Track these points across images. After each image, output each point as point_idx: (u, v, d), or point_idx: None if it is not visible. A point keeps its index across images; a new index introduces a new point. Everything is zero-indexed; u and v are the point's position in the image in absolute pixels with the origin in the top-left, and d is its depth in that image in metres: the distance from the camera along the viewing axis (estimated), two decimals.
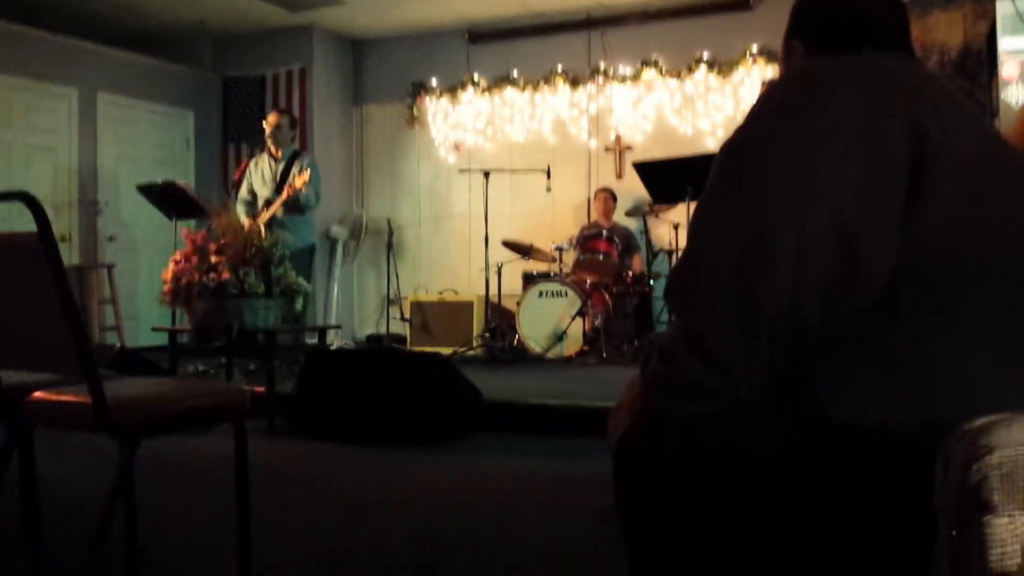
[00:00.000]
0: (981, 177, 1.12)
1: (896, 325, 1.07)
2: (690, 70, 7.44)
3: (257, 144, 8.39)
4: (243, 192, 6.52)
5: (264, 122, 6.57)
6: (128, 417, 1.98)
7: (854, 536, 1.09)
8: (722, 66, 7.33)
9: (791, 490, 1.13)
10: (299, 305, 4.90)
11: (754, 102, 1.22)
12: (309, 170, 6.07)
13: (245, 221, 6.04)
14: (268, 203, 6.23)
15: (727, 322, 1.09)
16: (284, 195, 6.07)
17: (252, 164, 6.54)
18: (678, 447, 1.20)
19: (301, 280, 4.87)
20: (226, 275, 4.59)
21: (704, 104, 7.43)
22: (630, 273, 6.96)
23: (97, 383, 1.93)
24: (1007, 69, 3.74)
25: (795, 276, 1.06)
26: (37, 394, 2.17)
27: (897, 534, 1.05)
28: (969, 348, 1.06)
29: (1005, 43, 3.80)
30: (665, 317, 7.07)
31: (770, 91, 1.21)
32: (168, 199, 6.12)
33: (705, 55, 7.37)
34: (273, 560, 2.38)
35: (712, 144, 7.17)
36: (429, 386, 4.27)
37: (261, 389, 4.53)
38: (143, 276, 7.96)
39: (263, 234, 5.02)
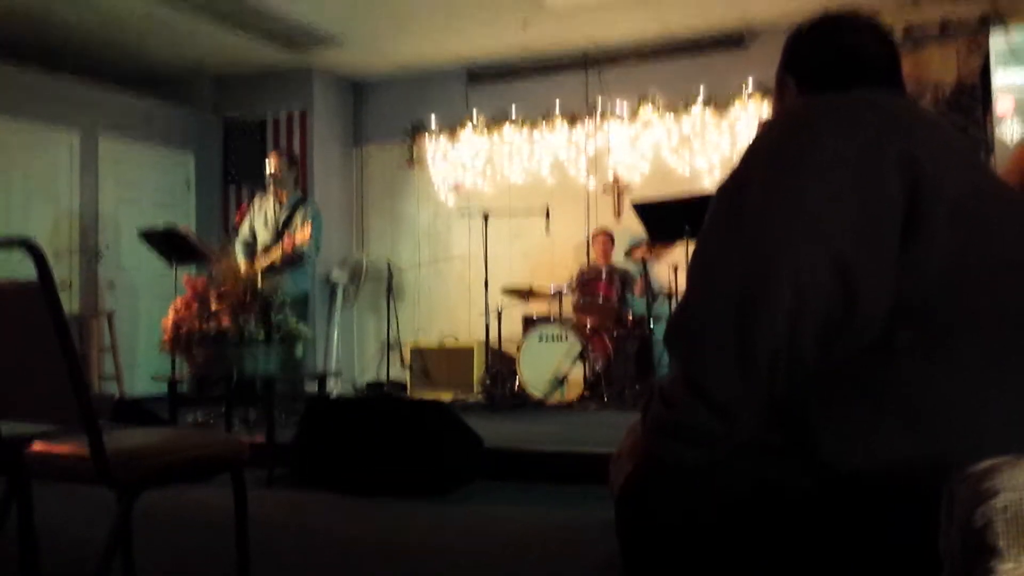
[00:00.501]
0: (975, 214, 1.13)
1: (893, 365, 1.07)
2: (687, 107, 7.50)
3: (258, 186, 8.42)
4: (244, 231, 6.47)
5: (267, 163, 6.54)
6: (127, 469, 1.97)
7: None
8: (718, 103, 7.40)
9: (793, 532, 1.12)
10: (299, 352, 4.88)
11: (749, 143, 1.23)
12: (310, 223, 6.04)
13: (242, 263, 6.05)
14: (267, 248, 6.21)
15: (726, 365, 1.09)
16: (281, 248, 6.03)
17: (256, 204, 6.50)
18: (680, 491, 1.19)
19: (301, 326, 4.86)
20: (226, 322, 4.58)
21: (701, 142, 7.48)
22: (631, 317, 6.95)
23: (97, 435, 1.92)
24: (1001, 105, 3.78)
25: (792, 317, 1.06)
26: (36, 445, 2.16)
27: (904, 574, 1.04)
28: (968, 388, 1.05)
29: (999, 77, 3.83)
30: (667, 360, 7.05)
31: (764, 132, 1.22)
32: (169, 244, 6.13)
33: (702, 92, 7.44)
34: None
35: (709, 183, 7.21)
36: (430, 434, 4.24)
37: (261, 439, 4.50)
38: (143, 323, 7.93)
39: (259, 279, 5.02)
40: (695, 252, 1.19)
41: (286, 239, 6.04)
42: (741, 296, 1.08)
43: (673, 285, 6.76)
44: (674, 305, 6.55)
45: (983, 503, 0.71)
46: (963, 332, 1.06)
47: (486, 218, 6.90)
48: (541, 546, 3.15)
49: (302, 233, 5.94)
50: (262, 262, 6.08)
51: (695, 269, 1.17)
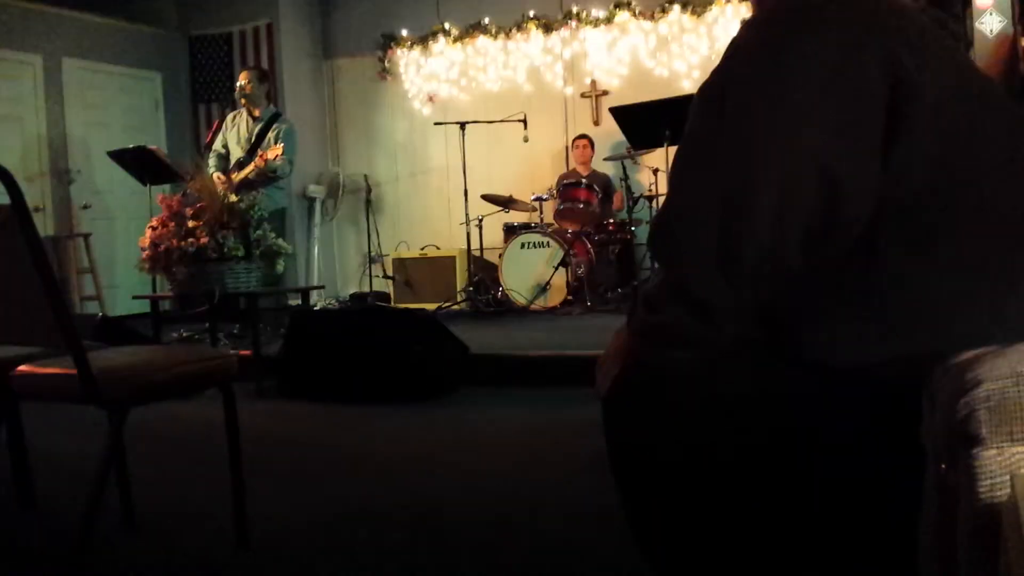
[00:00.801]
0: (958, 113, 1.12)
1: (875, 265, 1.08)
2: (664, 11, 7.36)
3: (228, 104, 8.27)
4: (216, 145, 6.41)
5: (235, 83, 6.45)
6: (115, 387, 1.97)
7: (842, 473, 1.10)
8: (696, 6, 7.26)
9: (778, 430, 1.14)
10: (280, 267, 4.87)
11: (729, 44, 1.21)
12: (282, 144, 5.94)
13: (216, 176, 5.95)
14: (241, 164, 6.14)
15: (710, 268, 1.09)
16: (253, 165, 5.96)
17: (229, 119, 6.41)
18: (666, 392, 1.21)
19: (281, 241, 4.84)
20: (204, 239, 4.55)
21: (679, 45, 7.37)
22: (611, 220, 6.95)
23: (81, 354, 1.92)
24: None
25: (777, 218, 1.06)
26: (21, 368, 2.16)
27: (884, 470, 1.07)
28: (950, 285, 1.06)
29: None
30: (648, 264, 7.09)
31: (745, 32, 1.20)
32: (140, 164, 6.03)
33: None
34: (270, 520, 2.40)
35: (689, 86, 7.13)
36: (416, 342, 4.27)
37: (247, 353, 4.52)
38: (120, 244, 7.87)
39: (233, 196, 4.96)
40: (677, 155, 1.18)
41: (259, 157, 5.95)
42: (724, 198, 1.08)
43: (654, 188, 6.74)
44: (655, 209, 6.56)
45: (966, 393, 0.72)
46: (944, 233, 1.06)
47: (463, 127, 6.80)
48: (529, 447, 3.21)
49: (274, 150, 5.86)
50: (235, 179, 6.01)
51: (677, 172, 1.16)
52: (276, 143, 5.96)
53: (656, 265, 1.21)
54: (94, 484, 1.90)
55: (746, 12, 7.05)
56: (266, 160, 5.88)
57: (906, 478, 1.05)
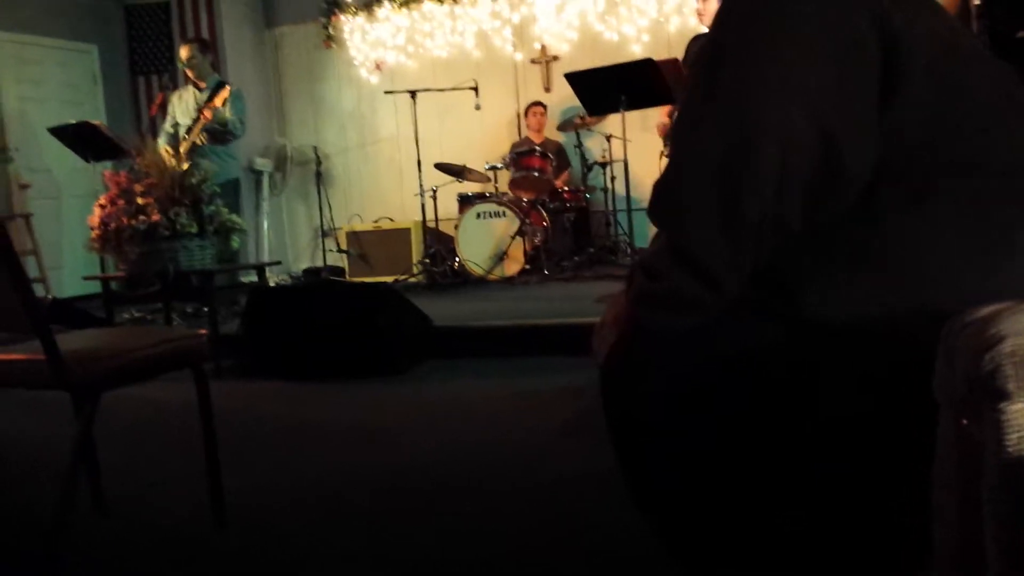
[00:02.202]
0: (948, 70, 1.13)
1: (874, 222, 1.09)
2: None
3: (167, 74, 8.06)
4: (166, 125, 6.39)
5: (177, 58, 6.35)
6: (85, 371, 1.92)
7: (845, 433, 1.12)
8: None
9: (778, 392, 1.15)
10: (235, 243, 4.78)
11: (720, 7, 1.20)
12: (227, 88, 5.86)
13: (169, 155, 5.83)
14: (189, 131, 6.04)
15: (712, 232, 1.09)
16: (203, 118, 5.87)
17: (175, 96, 6.38)
18: (665, 359, 1.21)
19: (235, 217, 4.74)
20: (156, 217, 4.44)
21: (628, 8, 7.33)
22: (566, 189, 6.95)
23: (50, 338, 1.86)
24: None
25: (778, 178, 1.06)
26: None
27: (885, 428, 1.08)
28: (946, 241, 1.08)
29: None
30: (604, 231, 7.12)
31: None
32: (83, 140, 5.85)
33: None
34: (244, 498, 2.37)
35: (639, 50, 7.11)
36: (379, 316, 4.24)
37: (204, 332, 4.44)
38: (65, 223, 7.65)
39: (184, 164, 4.85)
40: (675, 121, 1.17)
41: (204, 110, 5.85)
42: (725, 162, 1.08)
43: (607, 155, 6.75)
44: (608, 176, 6.58)
45: (991, 348, 0.73)
46: (942, 188, 1.08)
47: (414, 96, 6.71)
48: (500, 416, 3.21)
49: (220, 96, 5.76)
50: (185, 144, 5.89)
51: (677, 138, 1.16)
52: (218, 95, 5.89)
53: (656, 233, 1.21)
54: (68, 470, 1.85)
55: None
56: (213, 110, 5.78)
57: (908, 434, 1.07)
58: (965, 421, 0.78)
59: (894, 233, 1.08)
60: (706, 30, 5.41)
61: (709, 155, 1.10)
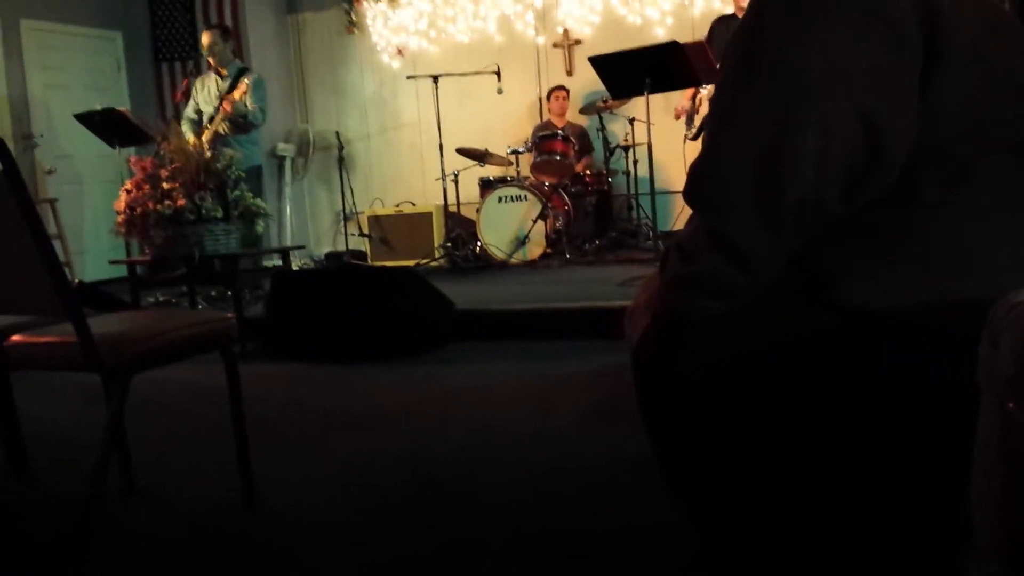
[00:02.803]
0: (992, 52, 1.11)
1: (913, 208, 1.07)
2: None
3: (191, 61, 8.09)
4: (188, 111, 6.42)
5: (199, 43, 6.37)
6: (117, 354, 1.94)
7: (880, 419, 1.11)
8: None
9: (814, 378, 1.14)
10: (260, 228, 4.80)
11: None
12: (247, 80, 5.88)
13: (191, 140, 5.86)
14: (211, 119, 6.07)
15: (751, 216, 1.08)
16: (223, 111, 5.90)
17: (198, 82, 6.41)
18: (700, 342, 1.20)
19: (260, 202, 4.77)
20: (181, 202, 4.47)
21: None
22: (588, 172, 6.92)
23: (82, 321, 1.88)
24: None
25: (818, 165, 1.05)
26: (16, 337, 2.11)
27: (927, 414, 1.07)
28: (987, 225, 1.06)
29: None
30: (625, 214, 7.09)
31: None
32: (109, 126, 5.89)
33: None
34: (273, 481, 2.39)
35: (662, 33, 7.06)
36: (401, 299, 4.25)
37: (232, 315, 4.47)
38: (88, 208, 7.72)
39: (207, 152, 4.88)
40: (713, 105, 1.16)
41: (224, 103, 5.87)
42: (765, 145, 1.06)
43: (631, 139, 6.71)
44: (631, 160, 6.55)
45: None
46: (982, 173, 1.06)
47: (436, 80, 6.70)
48: (526, 400, 3.22)
49: (238, 90, 5.78)
50: (207, 134, 5.93)
51: (715, 123, 1.14)
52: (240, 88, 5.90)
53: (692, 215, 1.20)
54: (101, 451, 1.87)
55: None
56: (233, 103, 5.80)
57: (945, 421, 1.06)
58: (1012, 404, 0.77)
59: (933, 218, 1.06)
60: (730, 11, 5.36)
61: (749, 140, 1.08)
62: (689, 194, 1.15)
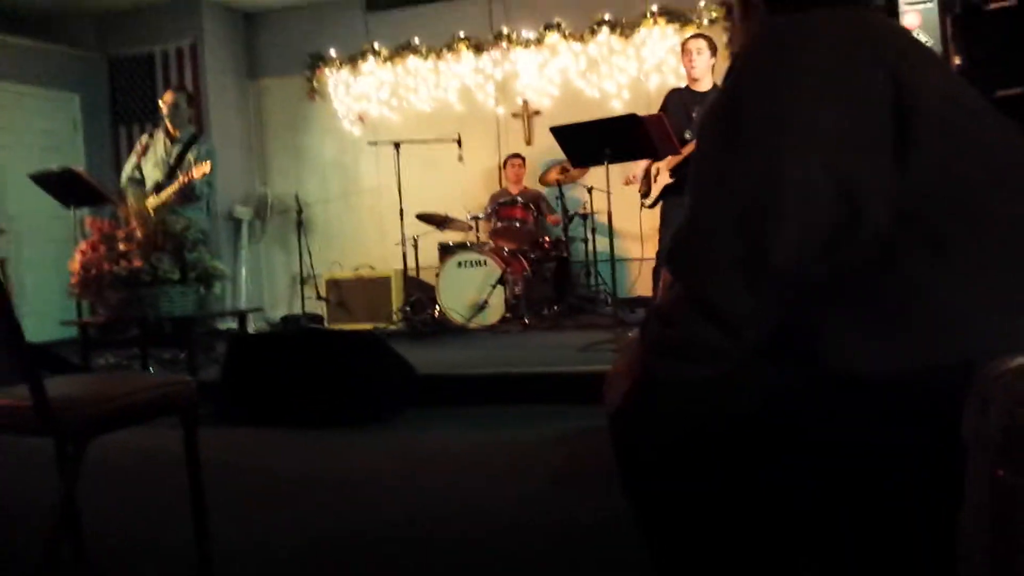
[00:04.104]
0: (959, 125, 1.15)
1: (894, 272, 1.09)
2: (593, 32, 7.46)
3: (149, 123, 8.04)
4: (127, 169, 6.17)
5: (160, 101, 6.29)
6: (74, 417, 1.88)
7: (866, 484, 1.11)
8: (624, 28, 7.37)
9: (798, 441, 1.15)
10: (217, 289, 4.74)
11: (732, 63, 1.22)
12: (209, 162, 5.77)
13: (131, 199, 5.69)
14: (159, 187, 5.92)
15: (733, 280, 1.09)
16: (178, 184, 5.72)
17: (145, 141, 6.21)
18: (680, 409, 1.20)
19: (218, 263, 4.72)
20: (138, 263, 4.41)
21: (608, 66, 7.47)
22: (547, 238, 6.99)
23: (38, 383, 1.83)
24: (909, 19, 3.84)
25: (800, 226, 1.07)
26: None
27: (911, 479, 1.08)
28: (965, 291, 1.08)
29: None
30: (584, 280, 7.14)
31: (753, 50, 1.21)
32: (65, 186, 5.80)
33: (607, 16, 7.40)
34: (229, 550, 2.31)
35: (619, 106, 7.22)
36: (360, 364, 4.20)
37: (191, 379, 4.37)
38: (37, 269, 7.55)
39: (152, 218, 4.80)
40: (694, 173, 1.18)
41: (184, 175, 5.74)
42: (748, 210, 1.08)
43: (589, 206, 6.80)
44: (589, 227, 6.63)
45: None
46: (959, 240, 1.09)
47: (397, 147, 6.75)
48: (487, 466, 3.18)
49: (200, 168, 5.67)
50: (154, 202, 5.77)
51: (697, 190, 1.16)
52: (199, 162, 5.77)
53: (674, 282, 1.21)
54: (55, 520, 1.80)
55: (672, 34, 7.20)
56: (191, 179, 5.68)
57: (930, 486, 1.06)
58: (1001, 472, 0.78)
59: (914, 284, 1.08)
60: (683, 85, 5.50)
61: (730, 204, 1.10)
62: (671, 259, 1.16)
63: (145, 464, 3.42)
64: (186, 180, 5.68)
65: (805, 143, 1.09)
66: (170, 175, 5.91)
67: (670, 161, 5.14)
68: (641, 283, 7.03)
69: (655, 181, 5.37)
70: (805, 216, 1.07)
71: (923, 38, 4.33)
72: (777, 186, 1.07)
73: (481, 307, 6.43)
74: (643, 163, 5.46)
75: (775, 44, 1.20)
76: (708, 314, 1.11)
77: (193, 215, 5.90)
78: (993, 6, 2.98)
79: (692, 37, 5.57)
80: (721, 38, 7.22)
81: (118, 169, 8.14)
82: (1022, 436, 0.73)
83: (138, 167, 6.12)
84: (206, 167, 5.66)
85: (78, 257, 4.41)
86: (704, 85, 5.31)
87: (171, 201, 5.76)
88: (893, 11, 4.63)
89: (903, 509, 1.08)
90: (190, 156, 5.90)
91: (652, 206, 5.49)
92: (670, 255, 1.16)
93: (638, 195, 5.68)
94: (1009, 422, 0.75)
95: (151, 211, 5.44)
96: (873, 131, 1.10)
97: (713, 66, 5.35)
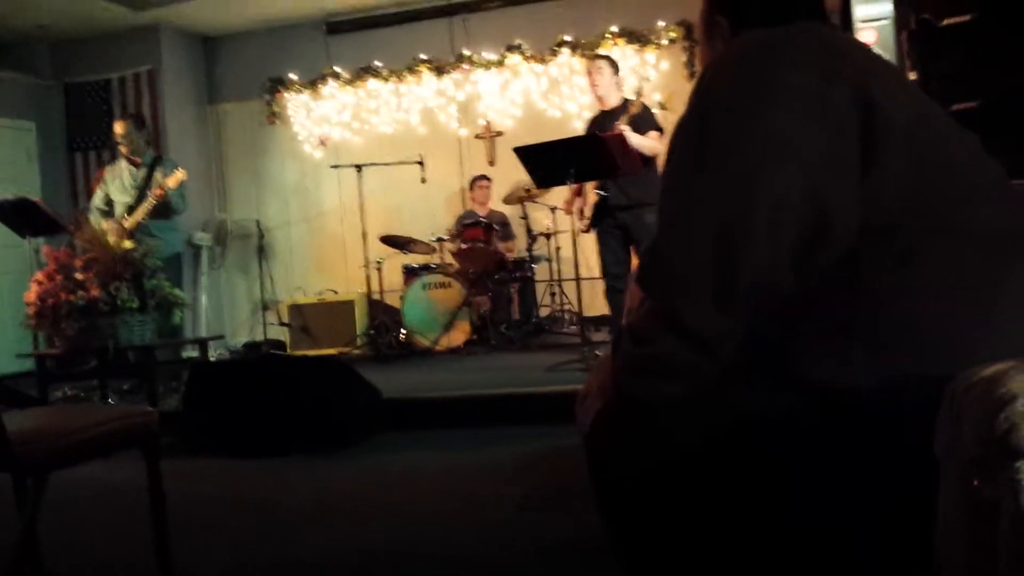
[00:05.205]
0: (924, 139, 1.16)
1: (859, 286, 1.10)
2: (554, 53, 7.52)
3: (106, 151, 7.94)
4: (97, 201, 6.11)
5: (112, 134, 6.21)
6: (33, 452, 1.83)
7: (839, 498, 1.11)
8: (585, 48, 7.43)
9: (773, 457, 1.14)
10: (177, 317, 4.67)
11: (701, 78, 1.23)
12: (183, 170, 5.71)
13: (106, 227, 5.64)
14: (131, 209, 5.86)
15: (705, 296, 1.09)
16: (153, 199, 5.67)
17: (109, 173, 6.16)
18: (654, 427, 1.20)
19: (178, 291, 4.65)
20: (96, 292, 4.33)
21: (570, 87, 7.52)
22: (511, 259, 6.99)
23: None
24: (865, 36, 3.89)
25: (770, 239, 1.07)
26: None
27: (884, 491, 1.08)
28: (931, 304, 1.09)
29: (860, 11, 3.93)
30: (548, 299, 7.13)
31: (718, 68, 1.22)
32: (21, 216, 5.68)
33: (567, 37, 7.46)
34: None
35: (581, 126, 7.25)
36: (326, 389, 4.15)
37: (153, 410, 4.29)
38: None
39: (127, 242, 4.73)
40: (664, 191, 1.18)
41: (157, 189, 5.65)
42: (717, 228, 1.08)
43: (552, 226, 6.81)
44: (553, 247, 6.64)
45: (1004, 408, 0.74)
46: (923, 254, 1.10)
47: (359, 169, 6.72)
48: (458, 490, 3.14)
49: (175, 177, 5.60)
50: (131, 221, 5.69)
51: (667, 208, 1.16)
52: (169, 174, 5.71)
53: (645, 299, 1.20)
54: (16, 556, 1.75)
55: (633, 54, 7.27)
56: (166, 188, 5.60)
57: (904, 498, 1.06)
58: (976, 482, 0.78)
59: (879, 298, 1.09)
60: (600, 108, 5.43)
61: (700, 223, 1.10)
62: (643, 279, 1.16)
63: (107, 496, 3.34)
64: (160, 193, 5.61)
65: (776, 159, 1.09)
66: (140, 197, 5.83)
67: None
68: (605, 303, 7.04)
69: (586, 203, 5.36)
70: (775, 227, 1.07)
71: (881, 53, 4.41)
72: (749, 202, 1.08)
73: (446, 329, 6.39)
74: (575, 188, 5.37)
75: (744, 60, 1.20)
76: (680, 331, 1.11)
77: (167, 237, 5.82)
78: (947, 22, 3.05)
79: (591, 58, 5.64)
80: (680, 58, 7.35)
81: (75, 197, 8.04)
82: (1002, 444, 0.74)
83: (106, 198, 6.05)
84: (181, 174, 5.61)
85: (34, 288, 4.32)
86: (612, 101, 5.28)
87: (146, 219, 5.66)
88: (848, 27, 4.72)
89: (876, 523, 1.08)
90: (157, 175, 5.82)
91: (587, 230, 5.42)
92: (641, 271, 1.16)
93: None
94: (985, 431, 0.75)
95: (128, 231, 5.37)
96: (843, 146, 1.11)
97: (617, 83, 5.36)
